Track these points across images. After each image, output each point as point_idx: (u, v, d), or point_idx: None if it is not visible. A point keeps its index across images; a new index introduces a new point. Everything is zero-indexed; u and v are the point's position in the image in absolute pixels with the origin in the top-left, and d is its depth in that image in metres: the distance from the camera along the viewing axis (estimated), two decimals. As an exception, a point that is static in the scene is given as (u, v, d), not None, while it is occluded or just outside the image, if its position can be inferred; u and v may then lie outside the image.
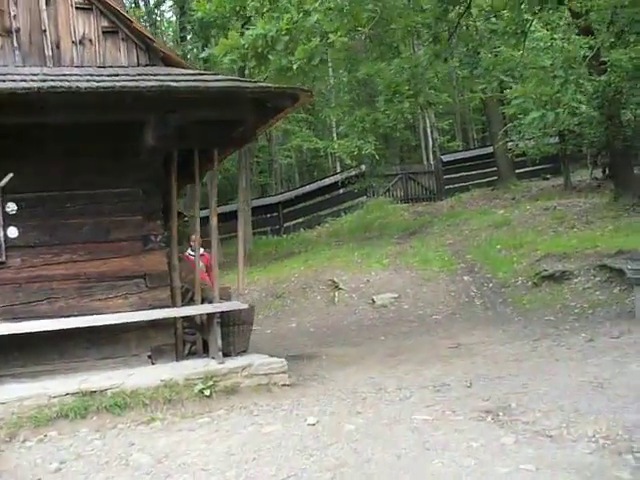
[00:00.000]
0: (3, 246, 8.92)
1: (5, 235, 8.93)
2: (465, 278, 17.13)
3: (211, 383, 8.47)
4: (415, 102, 16.34)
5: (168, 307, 9.39)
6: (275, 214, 33.15)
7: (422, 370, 9.48)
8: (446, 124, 37.80)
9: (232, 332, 9.49)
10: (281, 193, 35.44)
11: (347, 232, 27.93)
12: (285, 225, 32.78)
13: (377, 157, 24.48)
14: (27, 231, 9.00)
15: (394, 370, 9.70)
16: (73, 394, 8.02)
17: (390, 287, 17.26)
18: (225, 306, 9.28)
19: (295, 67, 8.01)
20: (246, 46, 8.36)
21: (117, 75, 8.46)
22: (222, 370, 8.68)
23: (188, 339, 9.97)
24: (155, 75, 8.56)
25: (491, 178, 30.75)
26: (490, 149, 31.32)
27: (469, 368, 9.28)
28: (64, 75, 8.20)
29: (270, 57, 8.46)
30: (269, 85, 8.55)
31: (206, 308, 9.34)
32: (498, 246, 18.68)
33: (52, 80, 7.89)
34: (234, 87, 8.45)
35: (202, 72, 9.49)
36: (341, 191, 31.81)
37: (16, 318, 8.81)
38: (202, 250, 12.09)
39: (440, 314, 14.70)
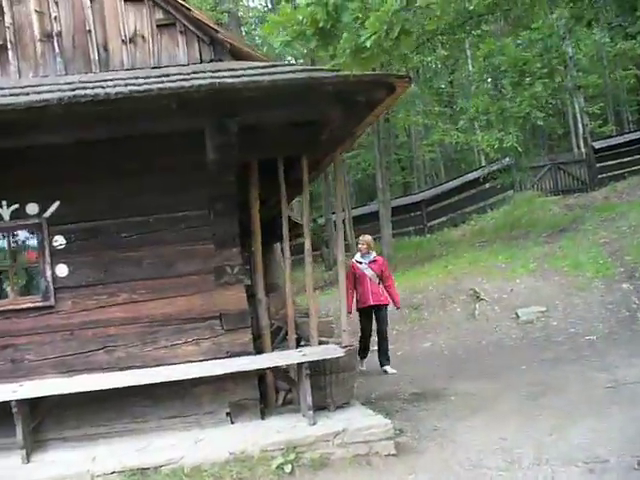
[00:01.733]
0: (52, 287, 7.33)
1: (54, 274, 7.32)
2: (624, 286, 14.47)
3: (293, 456, 6.53)
4: (551, 82, 13.31)
5: (250, 354, 7.51)
6: (418, 213, 31.06)
7: (569, 428, 7.18)
8: (597, 108, 34.46)
9: (329, 382, 7.53)
10: (423, 191, 33.23)
11: (492, 230, 25.49)
12: (429, 224, 30.67)
13: (520, 149, 21.92)
14: (78, 268, 7.37)
15: (533, 424, 7.45)
16: (120, 472, 6.28)
17: (536, 298, 14.84)
18: (316, 353, 7.30)
19: (369, 44, 5.77)
20: (303, 20, 6.17)
21: (167, 75, 6.61)
22: (308, 438, 6.70)
23: (282, 387, 8.10)
24: (214, 72, 6.65)
25: (649, 164, 27.55)
26: (648, 132, 28.20)
27: (632, 430, 6.90)
28: (100, 81, 6.42)
29: (337, 33, 6.20)
30: (354, 74, 6.49)
31: (290, 357, 7.39)
32: (663, 245, 15.94)
33: (81, 89, 6.12)
34: (307, 79, 6.43)
35: (274, 64, 7.51)
36: (487, 186, 29.27)
37: (70, 371, 7.27)
38: (373, 255, 11.89)
39: (594, 334, 12.17)
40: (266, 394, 7.94)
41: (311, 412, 7.04)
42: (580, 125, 32.85)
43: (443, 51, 27.40)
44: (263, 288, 8.04)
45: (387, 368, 11.56)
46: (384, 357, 11.77)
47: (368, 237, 12.12)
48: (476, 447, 6.92)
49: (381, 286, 11.75)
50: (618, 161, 29.24)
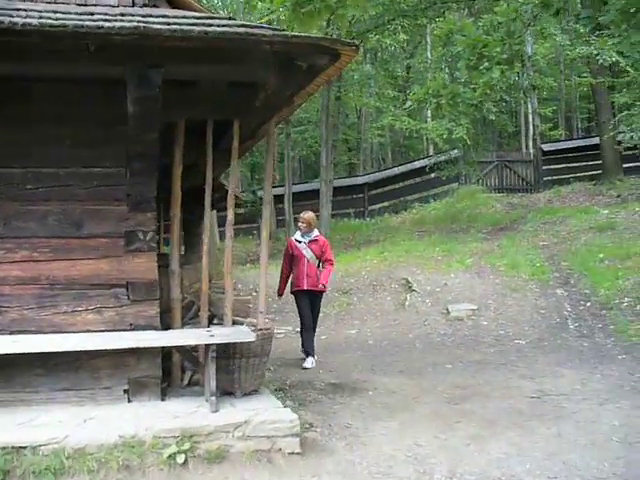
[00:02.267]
0: (-60, 237, 6.52)
1: (-55, 223, 6.52)
2: (558, 292, 14.11)
3: (188, 445, 5.86)
4: (509, 71, 12.50)
5: (156, 328, 6.81)
6: (360, 195, 30.56)
7: (488, 439, 6.66)
8: (549, 111, 34.30)
9: (238, 366, 6.88)
10: (368, 174, 32.66)
11: (433, 221, 25.13)
12: (370, 208, 30.20)
13: (469, 142, 21.50)
14: (-27, 219, 6.56)
15: (452, 432, 6.92)
16: (-7, 450, 5.55)
17: (469, 295, 14.41)
18: (225, 335, 6.64)
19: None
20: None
21: (91, 14, 5.80)
22: (207, 427, 6.02)
23: (189, 366, 7.43)
24: (144, 17, 5.87)
25: (594, 172, 27.56)
26: (596, 140, 28.06)
27: (554, 447, 6.39)
28: (11, 9, 5.59)
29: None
30: (294, 35, 5.78)
31: (196, 336, 6.72)
32: (600, 255, 15.56)
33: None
34: (242, 33, 5.66)
35: (212, 16, 6.73)
36: (432, 176, 28.97)
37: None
38: (315, 234, 10.92)
39: (524, 338, 11.74)
40: (171, 372, 7.26)
41: (214, 398, 6.37)
42: (531, 126, 32.68)
43: (403, 35, 26.94)
44: (178, 259, 7.33)
45: (307, 362, 10.47)
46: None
47: (310, 214, 10.96)
48: (388, 452, 6.36)
49: (319, 270, 10.72)
50: (564, 165, 29.13)
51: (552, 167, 29.48)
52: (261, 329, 7.07)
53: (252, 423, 6.12)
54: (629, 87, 30.26)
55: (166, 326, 7.08)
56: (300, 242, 10.75)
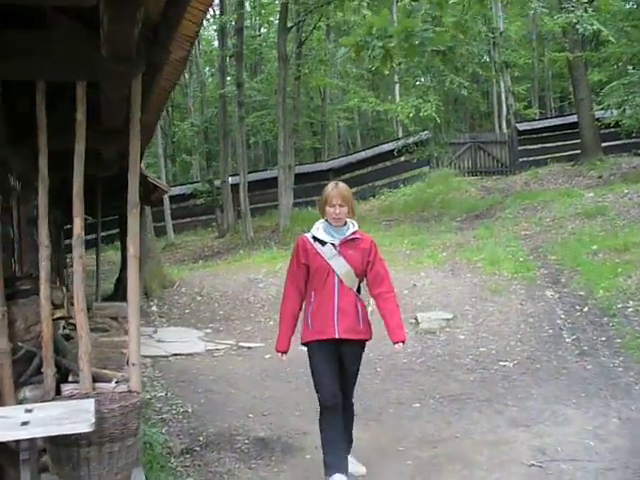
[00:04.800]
0: None
1: None
2: (548, 293, 11.60)
3: None
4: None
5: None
6: (325, 182, 27.71)
7: None
8: (523, 89, 31.92)
9: (86, 458, 4.33)
10: (333, 159, 30.09)
11: (402, 208, 22.70)
12: (335, 195, 27.51)
13: (438, 120, 19.03)
14: None
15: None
16: None
17: (443, 299, 11.91)
18: (42, 424, 4.02)
19: None
20: None
21: None
22: None
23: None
24: None
25: (573, 152, 25.45)
26: (573, 118, 26.04)
27: None
28: None
29: None
30: None
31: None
32: (593, 246, 13.12)
33: None
34: None
35: None
36: (402, 159, 26.64)
37: None
38: (354, 226, 5.40)
39: (511, 358, 9.19)
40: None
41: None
42: (504, 105, 30.31)
43: (367, 11, 24.37)
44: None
45: (351, 464, 5.49)
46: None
47: (344, 187, 5.36)
48: None
49: (360, 300, 5.38)
50: (541, 145, 27.19)
51: (528, 147, 27.35)
52: (121, 399, 4.52)
53: None
54: (606, 62, 28.17)
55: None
56: (324, 244, 5.29)
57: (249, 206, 22.73)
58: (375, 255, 5.36)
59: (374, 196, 26.53)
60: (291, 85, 23.82)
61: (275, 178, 23.05)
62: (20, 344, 4.86)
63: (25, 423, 3.84)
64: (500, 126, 31.36)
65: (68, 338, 5.18)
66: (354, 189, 26.11)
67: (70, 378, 4.95)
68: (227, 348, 11.10)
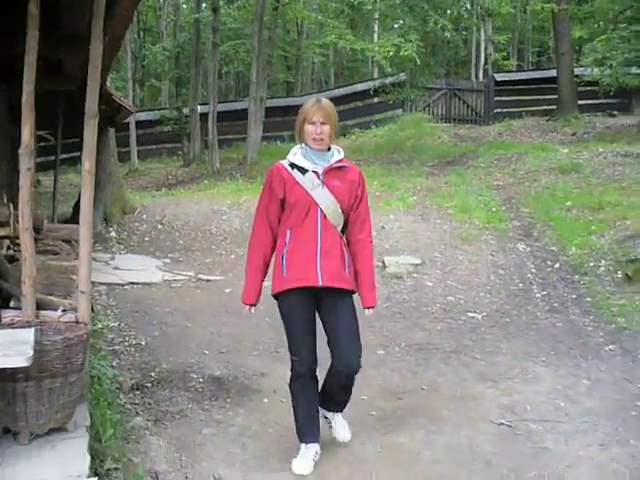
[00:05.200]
0: None
1: None
2: (520, 247, 11.27)
3: None
4: None
5: None
6: (295, 117, 27.21)
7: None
8: (503, 39, 31.34)
9: (22, 393, 3.89)
10: (306, 94, 29.32)
11: (373, 149, 22.19)
12: (305, 131, 26.91)
13: (418, 61, 18.45)
14: None
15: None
16: None
17: (411, 244, 11.54)
18: None
19: None
20: None
21: None
22: None
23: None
24: None
25: (548, 107, 25.11)
26: (551, 73, 25.65)
27: None
28: None
29: None
30: None
31: None
32: (568, 202, 12.81)
33: None
34: None
35: None
36: (375, 100, 25.98)
37: None
38: (339, 154, 4.47)
39: (480, 309, 8.86)
40: None
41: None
42: (483, 54, 29.79)
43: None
44: None
45: (336, 425, 4.84)
46: (333, 400, 4.77)
47: (326, 102, 4.41)
48: None
49: (343, 239, 4.50)
50: (516, 98, 26.82)
51: (503, 99, 26.93)
52: (66, 330, 4.08)
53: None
54: (591, 18, 27.69)
55: None
56: (304, 172, 4.36)
57: (217, 136, 22.05)
58: (363, 191, 4.45)
59: (344, 135, 25.91)
60: (269, 15, 22.99)
61: (245, 110, 22.38)
62: (-43, 260, 4.38)
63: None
64: (477, 75, 30.85)
65: (12, 260, 4.68)
66: (324, 128, 25.61)
67: (12, 304, 4.47)
68: (185, 280, 10.66)
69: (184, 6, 34.23)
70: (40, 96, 4.31)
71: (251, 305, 4.58)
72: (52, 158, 23.80)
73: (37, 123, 4.35)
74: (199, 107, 23.73)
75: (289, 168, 4.35)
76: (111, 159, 14.59)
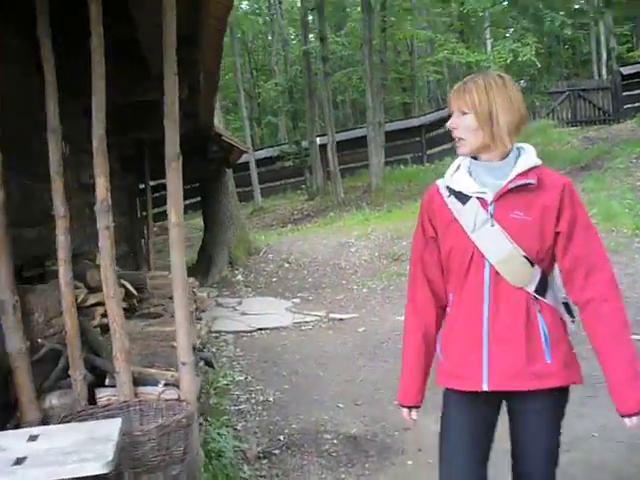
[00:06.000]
0: None
1: None
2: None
3: None
4: None
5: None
6: (417, 139, 26.50)
7: None
8: (626, 30, 29.53)
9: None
10: (425, 114, 28.46)
11: (500, 163, 20.97)
12: (428, 153, 26.21)
13: (539, 65, 17.32)
14: None
15: None
16: None
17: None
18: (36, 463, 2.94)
19: None
20: None
21: None
22: None
23: None
24: None
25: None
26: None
27: None
28: None
29: None
30: None
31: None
32: None
33: None
34: None
35: None
36: (496, 112, 24.73)
37: None
38: (525, 160, 2.55)
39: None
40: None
41: None
42: (604, 49, 28.13)
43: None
44: (10, 277, 3.62)
45: None
46: None
47: (477, 80, 2.56)
48: None
49: (541, 307, 2.57)
50: (647, 90, 24.82)
51: (633, 93, 25.09)
52: (168, 410, 3.42)
53: None
54: None
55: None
56: (465, 200, 2.60)
57: (338, 166, 21.53)
58: (573, 218, 2.52)
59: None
60: (377, 38, 22.38)
61: (364, 137, 21.83)
62: (40, 341, 3.78)
63: (20, 461, 2.75)
64: (600, 73, 29.18)
65: (107, 330, 4.08)
66: (447, 145, 24.66)
67: (107, 381, 3.86)
68: (316, 320, 10.06)
69: (294, 43, 34.18)
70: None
71: (408, 407, 2.84)
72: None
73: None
74: (318, 138, 23.33)
75: (445, 192, 2.65)
76: (231, 201, 14.22)
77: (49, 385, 3.82)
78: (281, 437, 5.50)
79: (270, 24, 31.86)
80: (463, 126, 2.55)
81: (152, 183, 10.74)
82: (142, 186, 10.74)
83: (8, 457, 2.81)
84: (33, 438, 2.95)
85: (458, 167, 2.65)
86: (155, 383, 3.82)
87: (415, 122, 27.14)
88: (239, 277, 13.39)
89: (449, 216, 2.59)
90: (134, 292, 4.92)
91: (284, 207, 24.11)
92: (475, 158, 2.59)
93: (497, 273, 2.51)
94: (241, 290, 12.61)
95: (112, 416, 3.54)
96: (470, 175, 2.60)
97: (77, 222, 5.89)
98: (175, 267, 3.63)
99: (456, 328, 2.64)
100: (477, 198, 2.54)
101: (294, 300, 11.62)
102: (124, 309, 4.87)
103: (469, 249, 2.53)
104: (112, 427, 3.04)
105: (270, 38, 29.19)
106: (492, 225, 2.51)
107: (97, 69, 3.46)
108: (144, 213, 10.82)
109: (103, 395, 3.80)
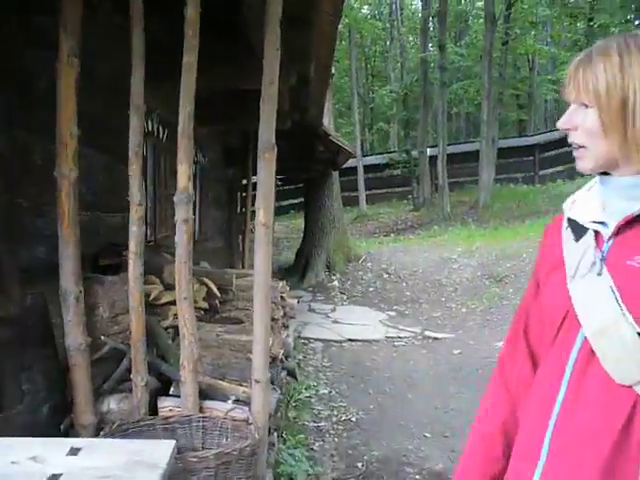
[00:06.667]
0: None
1: None
2: None
3: None
4: None
5: None
6: (530, 158, 25.55)
7: None
8: None
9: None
10: (540, 133, 27.45)
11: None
12: (540, 173, 25.28)
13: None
14: None
15: None
16: None
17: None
18: None
19: None
20: None
21: None
22: None
23: None
24: None
25: None
26: None
27: None
28: None
29: None
30: None
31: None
32: None
33: None
34: None
35: None
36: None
37: None
38: None
39: None
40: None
41: None
42: None
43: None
44: (78, 268, 3.26)
45: None
46: None
47: (599, 50, 1.42)
48: None
49: None
50: None
51: None
52: (234, 429, 3.00)
53: None
54: None
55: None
56: (582, 232, 1.51)
57: (447, 179, 20.88)
58: None
59: (583, 176, 23.79)
60: (498, 51, 21.62)
61: (476, 152, 21.11)
62: (103, 338, 3.41)
63: (55, 478, 2.37)
64: None
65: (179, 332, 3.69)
66: (561, 167, 23.64)
67: (172, 390, 3.46)
68: (410, 336, 9.55)
69: (412, 51, 33.63)
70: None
71: None
72: (286, 202, 23.90)
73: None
74: (428, 149, 22.73)
75: (565, 223, 1.60)
76: (334, 204, 13.83)
77: (109, 387, 3.45)
78: (359, 464, 5.02)
79: (389, 30, 31.40)
80: (584, 127, 1.45)
81: (255, 179, 10.40)
82: (245, 181, 10.40)
83: (44, 471, 2.42)
84: (74, 452, 2.55)
85: (590, 187, 1.58)
86: (224, 398, 3.41)
87: (529, 140, 26.22)
88: (335, 283, 12.99)
89: (558, 256, 1.55)
90: (217, 293, 4.53)
91: (388, 216, 23.61)
92: (606, 173, 1.50)
93: (592, 352, 1.41)
94: (336, 297, 12.22)
95: (171, 430, 3.16)
96: (600, 197, 1.52)
97: (168, 210, 5.58)
98: (258, 272, 3.20)
99: (525, 417, 1.58)
100: (594, 230, 1.48)
101: (389, 313, 11.15)
102: (204, 310, 4.50)
103: (563, 307, 1.48)
104: (163, 451, 2.62)
105: (388, 44, 28.70)
106: (599, 274, 1.42)
107: (191, 41, 3.06)
108: (244, 209, 10.48)
109: (165, 405, 3.41)
